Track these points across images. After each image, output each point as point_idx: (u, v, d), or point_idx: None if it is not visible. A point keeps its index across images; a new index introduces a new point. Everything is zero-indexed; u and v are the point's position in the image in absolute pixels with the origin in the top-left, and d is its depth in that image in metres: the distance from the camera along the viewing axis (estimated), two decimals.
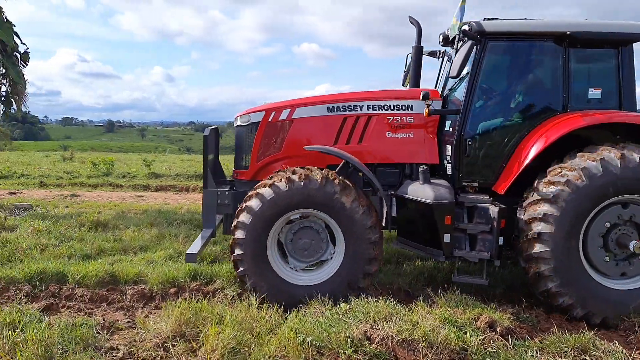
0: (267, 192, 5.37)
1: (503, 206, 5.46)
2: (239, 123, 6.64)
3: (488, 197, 5.70)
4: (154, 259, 6.92)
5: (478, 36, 5.69)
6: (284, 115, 6.37)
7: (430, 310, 4.73)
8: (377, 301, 4.75)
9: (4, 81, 11.55)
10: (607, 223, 5.21)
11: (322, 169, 5.62)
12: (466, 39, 5.72)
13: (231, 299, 4.98)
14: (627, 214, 5.21)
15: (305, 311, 4.87)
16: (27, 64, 11.96)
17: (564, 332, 4.62)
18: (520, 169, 5.43)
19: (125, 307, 5.47)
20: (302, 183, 5.36)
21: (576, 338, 4.46)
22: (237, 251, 5.43)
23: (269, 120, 6.39)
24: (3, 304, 5.32)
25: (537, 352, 4.26)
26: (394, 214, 5.90)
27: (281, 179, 5.42)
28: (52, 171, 19.18)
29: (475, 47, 5.64)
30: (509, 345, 4.32)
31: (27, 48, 12.03)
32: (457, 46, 6.24)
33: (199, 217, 9.24)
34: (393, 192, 6.00)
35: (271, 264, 5.49)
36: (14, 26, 11.34)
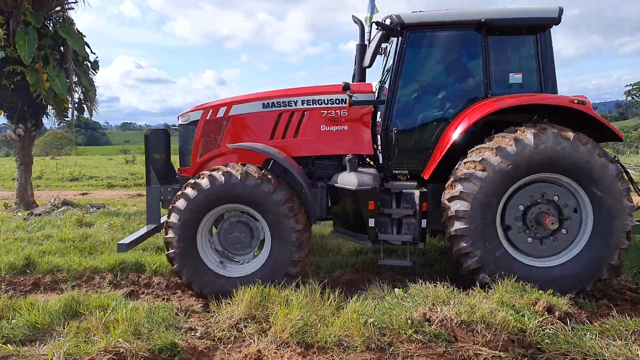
0: (190, 191, 5.58)
1: (425, 190, 5.72)
2: (180, 122, 6.91)
3: (413, 183, 5.92)
4: None
5: (398, 28, 5.84)
6: (221, 112, 6.58)
7: (487, 295, 4.87)
8: (435, 286, 4.94)
9: (77, 89, 12.40)
10: (521, 205, 5.37)
11: (257, 166, 5.84)
12: (378, 29, 5.82)
13: (295, 285, 5.28)
14: (540, 193, 5.34)
15: (365, 296, 5.11)
16: (96, 72, 12.80)
17: (624, 317, 4.66)
18: (442, 155, 5.59)
19: (197, 293, 5.89)
20: (223, 179, 5.53)
21: (637, 322, 4.50)
22: (169, 250, 5.68)
23: (207, 118, 6.60)
24: (91, 290, 5.87)
25: (596, 335, 4.33)
26: (329, 204, 6.17)
27: (204, 177, 5.62)
28: (117, 173, 20.30)
29: (386, 38, 5.90)
30: (568, 328, 4.41)
31: (97, 57, 12.88)
32: (370, 37, 6.31)
33: None
34: (327, 183, 6.21)
35: (202, 258, 5.68)
36: (84, 36, 12.17)
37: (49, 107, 12.26)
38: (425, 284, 5.06)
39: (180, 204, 5.60)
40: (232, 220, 5.88)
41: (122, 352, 3.95)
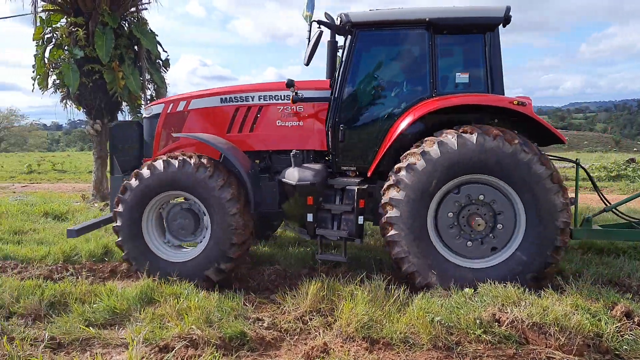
0: (133, 181, 5.90)
1: (363, 187, 5.74)
2: (144, 115, 7.11)
3: (356, 180, 5.92)
4: (283, 243, 7.57)
5: (347, 27, 5.89)
6: (181, 106, 6.71)
7: (561, 297, 4.69)
8: (505, 286, 4.81)
9: (149, 86, 12.97)
10: (456, 203, 5.35)
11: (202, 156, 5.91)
12: (319, 27, 5.89)
13: (360, 280, 5.30)
14: (467, 195, 5.32)
15: (431, 293, 5.06)
16: (167, 70, 13.33)
17: None
18: (382, 154, 5.69)
19: (264, 284, 6.01)
20: (162, 168, 5.77)
21: None
22: (118, 237, 6.03)
23: (168, 111, 6.76)
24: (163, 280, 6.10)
25: None
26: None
27: (144, 167, 5.88)
28: None
29: (331, 36, 6.10)
30: None
31: (168, 55, 13.40)
32: (309, 35, 6.25)
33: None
34: (277, 178, 6.26)
35: (148, 244, 5.94)
36: (157, 35, 12.69)
37: (124, 103, 12.91)
38: (494, 283, 4.94)
39: (126, 193, 5.91)
40: (176, 208, 6.12)
41: (195, 338, 4.13)
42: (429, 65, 5.80)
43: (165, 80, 13.29)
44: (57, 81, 12.17)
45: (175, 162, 5.76)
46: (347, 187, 5.85)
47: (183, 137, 6.58)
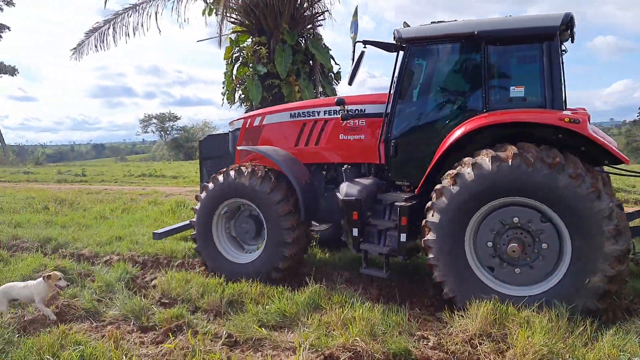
0: (210, 185, 6.59)
1: (407, 204, 5.51)
2: (230, 130, 7.77)
3: (404, 196, 5.81)
4: None
5: (399, 43, 5.91)
6: (257, 122, 7.25)
7: None
8: None
9: (321, 98, 13.58)
10: (493, 229, 5.08)
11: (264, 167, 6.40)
12: (364, 47, 6.05)
13: (537, 306, 4.81)
14: (511, 218, 5.00)
15: (626, 329, 4.37)
16: (339, 82, 13.85)
17: None
18: (429, 169, 5.48)
19: (429, 299, 5.80)
20: (232, 177, 6.40)
21: None
22: (193, 231, 6.82)
23: (247, 126, 7.34)
24: (331, 286, 6.23)
25: None
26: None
27: (221, 173, 6.52)
28: None
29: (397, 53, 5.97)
30: None
31: (340, 68, 13.93)
32: (352, 56, 6.14)
33: None
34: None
35: (215, 243, 6.62)
36: (330, 50, 13.26)
37: None
38: None
39: (203, 194, 6.66)
40: (244, 214, 6.64)
41: (359, 350, 4.11)
42: (481, 79, 5.51)
43: (337, 92, 13.79)
44: (243, 95, 13.41)
45: (245, 172, 6.33)
46: (395, 203, 5.68)
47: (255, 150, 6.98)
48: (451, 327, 4.84)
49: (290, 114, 7.00)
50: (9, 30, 50.28)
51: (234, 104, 13.67)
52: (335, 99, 6.26)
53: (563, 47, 5.85)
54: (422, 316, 5.20)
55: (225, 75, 13.28)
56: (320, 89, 13.33)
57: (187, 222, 7.61)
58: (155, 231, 7.42)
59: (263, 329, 4.82)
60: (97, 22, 13.97)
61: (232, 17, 13.13)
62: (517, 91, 5.50)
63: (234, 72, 13.22)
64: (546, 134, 5.09)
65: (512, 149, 4.90)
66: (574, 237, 4.75)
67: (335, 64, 13.57)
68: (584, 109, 5.99)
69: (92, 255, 8.01)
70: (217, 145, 8.03)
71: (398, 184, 6.20)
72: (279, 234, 6.15)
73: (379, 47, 6.19)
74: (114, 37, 13.72)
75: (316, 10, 13.42)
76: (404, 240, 5.53)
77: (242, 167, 6.43)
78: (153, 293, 5.87)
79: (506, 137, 5.21)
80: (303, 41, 13.18)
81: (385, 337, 4.41)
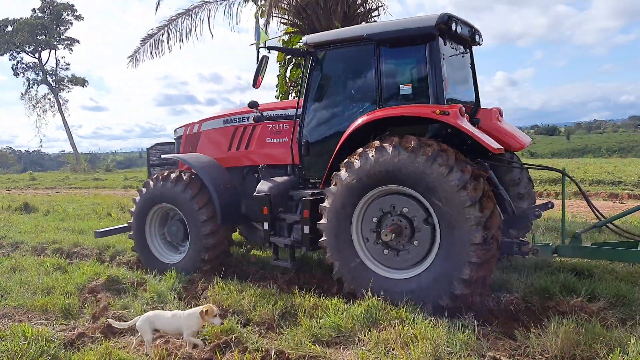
0: (142, 190, 7.23)
1: (308, 198, 5.97)
2: (174, 137, 8.36)
3: (309, 191, 6.24)
4: (522, 267, 6.57)
5: (305, 49, 6.41)
6: (195, 129, 7.82)
7: None
8: None
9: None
10: (374, 217, 5.48)
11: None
12: (269, 52, 6.72)
13: (623, 323, 4.20)
14: (390, 205, 5.38)
15: None
16: None
17: None
18: (330, 164, 5.86)
19: (500, 314, 5.26)
20: (160, 183, 6.94)
21: None
22: (130, 234, 7.50)
23: (187, 133, 7.93)
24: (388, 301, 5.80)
25: None
26: None
27: (151, 181, 7.12)
28: None
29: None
30: None
31: None
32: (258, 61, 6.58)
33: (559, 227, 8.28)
34: None
35: (149, 245, 7.28)
36: None
37: None
38: None
39: (137, 198, 7.29)
40: (176, 217, 7.13)
41: None
42: (375, 79, 5.84)
43: None
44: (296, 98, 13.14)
45: (161, 179, 6.96)
46: (303, 198, 6.07)
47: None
48: (527, 346, 4.31)
49: (224, 120, 7.51)
50: (79, 43, 53.02)
51: None
52: (248, 102, 6.85)
53: (456, 47, 6.24)
54: (493, 334, 4.65)
55: (278, 78, 13.08)
56: None
57: (127, 224, 7.91)
58: (96, 230, 8.08)
59: (317, 345, 4.47)
60: (152, 29, 14.15)
61: (284, 18, 12.92)
62: (405, 89, 5.81)
63: (287, 74, 12.98)
64: (429, 127, 5.66)
65: (393, 140, 5.24)
66: (442, 224, 5.05)
67: None
68: (499, 109, 6.53)
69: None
70: (164, 153, 8.42)
71: (312, 181, 6.58)
72: (201, 238, 6.68)
73: (285, 53, 6.92)
74: (168, 43, 13.82)
75: (370, 7, 12.94)
76: (307, 232, 5.92)
77: (170, 174, 6.98)
78: (204, 304, 5.66)
79: (406, 132, 5.44)
80: None
81: (452, 358, 3.94)
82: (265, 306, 5.29)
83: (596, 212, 5.89)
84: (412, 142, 5.11)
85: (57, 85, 52.60)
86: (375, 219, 5.48)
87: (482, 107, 6.65)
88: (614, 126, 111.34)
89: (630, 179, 15.80)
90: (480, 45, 6.63)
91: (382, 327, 4.63)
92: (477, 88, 6.74)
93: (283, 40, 13.07)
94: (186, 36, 13.58)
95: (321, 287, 6.21)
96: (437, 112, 5.17)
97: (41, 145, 71.42)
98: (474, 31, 6.28)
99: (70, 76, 53.35)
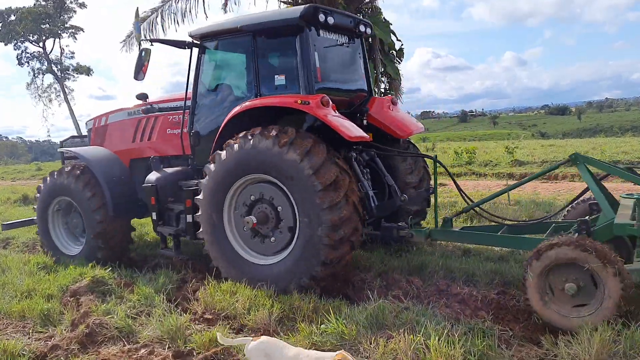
0: (43, 184, 7.40)
1: (190, 188, 6.05)
2: (86, 129, 8.30)
3: (196, 182, 6.10)
4: None
5: (193, 40, 6.37)
6: (102, 121, 7.82)
7: None
8: None
9: (383, 78, 12.46)
10: (245, 203, 5.62)
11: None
12: (151, 45, 6.52)
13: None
14: (260, 193, 5.51)
15: None
16: (401, 60, 12.64)
17: None
18: (211, 155, 5.79)
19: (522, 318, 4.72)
20: (57, 176, 7.12)
21: None
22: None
23: (96, 126, 7.93)
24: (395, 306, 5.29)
25: None
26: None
27: (49, 175, 7.27)
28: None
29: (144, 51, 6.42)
30: None
31: (402, 44, 12.71)
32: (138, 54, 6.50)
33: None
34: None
35: (52, 236, 7.43)
36: (390, 24, 12.09)
37: None
38: None
39: (39, 192, 7.45)
40: (76, 210, 7.17)
41: None
42: (253, 69, 5.93)
43: (400, 71, 12.61)
44: None
45: (58, 173, 7.10)
46: (185, 188, 6.16)
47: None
48: (555, 355, 3.79)
49: (128, 112, 7.50)
50: (83, 31, 52.41)
51: None
52: (136, 94, 7.12)
53: (336, 38, 6.25)
54: (516, 341, 4.11)
55: None
56: (382, 68, 12.20)
57: (34, 217, 7.92)
58: (3, 223, 8.16)
59: None
60: (145, 12, 13.53)
61: None
62: (280, 79, 5.87)
63: None
64: (305, 117, 5.70)
65: (256, 130, 5.32)
66: (299, 210, 5.19)
67: (397, 39, 12.35)
68: (391, 98, 6.69)
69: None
70: (77, 146, 8.34)
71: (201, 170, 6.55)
72: (94, 228, 6.80)
73: (169, 45, 6.52)
74: (162, 25, 13.25)
75: None
76: (190, 220, 6.01)
77: (66, 167, 7.12)
78: (196, 307, 5.19)
79: (286, 122, 5.48)
80: (361, 16, 12.09)
81: None
82: (261, 310, 4.78)
83: (464, 196, 6.02)
84: (272, 131, 5.22)
85: (62, 74, 52.10)
86: (245, 208, 5.60)
87: (374, 96, 6.78)
88: (626, 104, 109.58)
89: None
90: (368, 35, 6.70)
91: (390, 335, 4.11)
92: (369, 78, 6.83)
93: None
94: (182, 18, 12.97)
95: (321, 287, 5.66)
96: (299, 101, 5.29)
97: (49, 135, 71.48)
98: (356, 22, 6.35)
99: (75, 65, 52.88)
